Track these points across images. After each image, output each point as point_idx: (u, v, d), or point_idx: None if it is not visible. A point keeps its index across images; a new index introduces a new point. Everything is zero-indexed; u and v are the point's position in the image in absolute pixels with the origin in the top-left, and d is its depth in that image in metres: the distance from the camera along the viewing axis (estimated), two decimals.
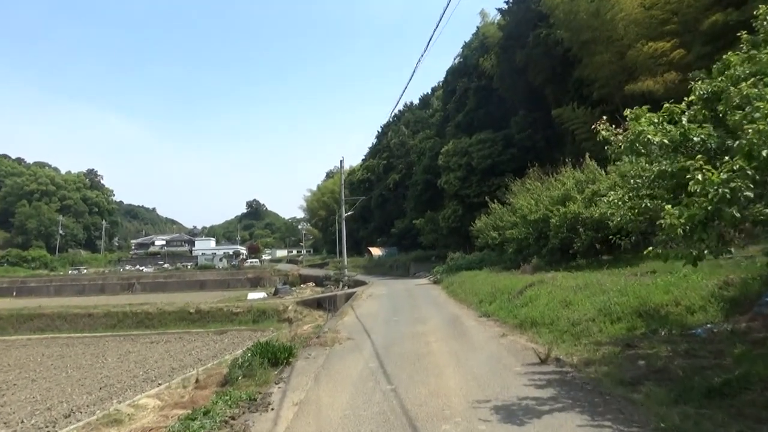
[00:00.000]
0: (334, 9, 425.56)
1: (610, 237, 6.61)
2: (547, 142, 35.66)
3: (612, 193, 7.17)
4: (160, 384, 13.21)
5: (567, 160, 23.54)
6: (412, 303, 18.75)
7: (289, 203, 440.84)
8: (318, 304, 27.48)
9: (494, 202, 28.96)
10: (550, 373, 6.67)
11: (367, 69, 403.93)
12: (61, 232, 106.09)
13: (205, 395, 10.74)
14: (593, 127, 6.63)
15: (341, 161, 36.67)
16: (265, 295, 35.57)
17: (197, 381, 12.13)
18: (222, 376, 11.87)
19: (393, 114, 70.72)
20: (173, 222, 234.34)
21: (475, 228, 30.33)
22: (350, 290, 29.32)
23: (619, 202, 6.75)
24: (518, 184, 27.85)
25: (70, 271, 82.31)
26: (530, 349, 8.28)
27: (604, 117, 6.82)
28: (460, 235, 37.49)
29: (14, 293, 58.53)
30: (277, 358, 11.77)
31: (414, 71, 14.62)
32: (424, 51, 13.17)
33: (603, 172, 20.00)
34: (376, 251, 62.55)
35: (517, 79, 36.11)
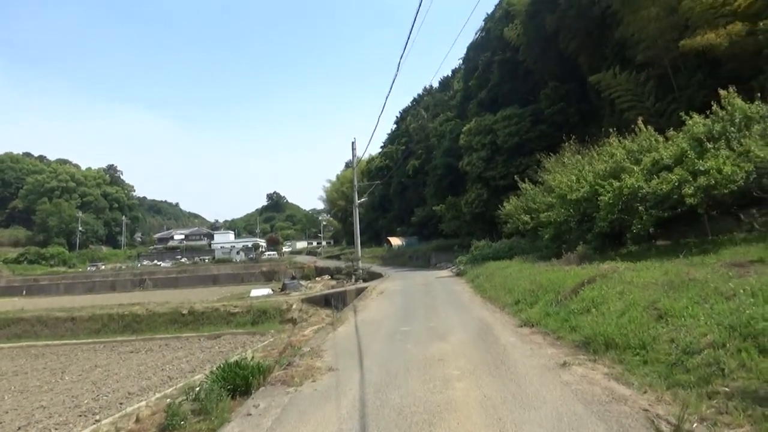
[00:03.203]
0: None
1: None
2: (581, 116, 32.21)
3: None
4: (97, 420, 10.14)
5: (611, 130, 20.00)
6: (429, 304, 15.30)
7: (309, 195, 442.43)
8: (326, 301, 24.34)
9: (524, 182, 25.65)
10: None
11: (387, 57, 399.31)
12: (81, 228, 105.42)
13: None
14: None
15: (353, 142, 33.24)
16: (271, 291, 32.49)
17: (137, 420, 9.07)
18: None
19: (412, 99, 67.31)
20: (196, 216, 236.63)
21: (503, 212, 27.07)
22: (363, 284, 26.27)
23: None
24: (552, 161, 24.51)
25: (88, 268, 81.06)
26: (623, 401, 4.75)
27: None
28: (485, 221, 34.27)
29: (24, 292, 56.83)
30: (248, 384, 8.74)
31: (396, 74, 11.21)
32: (403, 52, 9.84)
33: (661, 139, 16.37)
34: (395, 241, 59.58)
35: (546, 48, 32.89)
